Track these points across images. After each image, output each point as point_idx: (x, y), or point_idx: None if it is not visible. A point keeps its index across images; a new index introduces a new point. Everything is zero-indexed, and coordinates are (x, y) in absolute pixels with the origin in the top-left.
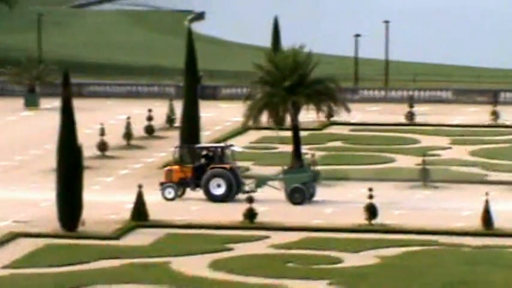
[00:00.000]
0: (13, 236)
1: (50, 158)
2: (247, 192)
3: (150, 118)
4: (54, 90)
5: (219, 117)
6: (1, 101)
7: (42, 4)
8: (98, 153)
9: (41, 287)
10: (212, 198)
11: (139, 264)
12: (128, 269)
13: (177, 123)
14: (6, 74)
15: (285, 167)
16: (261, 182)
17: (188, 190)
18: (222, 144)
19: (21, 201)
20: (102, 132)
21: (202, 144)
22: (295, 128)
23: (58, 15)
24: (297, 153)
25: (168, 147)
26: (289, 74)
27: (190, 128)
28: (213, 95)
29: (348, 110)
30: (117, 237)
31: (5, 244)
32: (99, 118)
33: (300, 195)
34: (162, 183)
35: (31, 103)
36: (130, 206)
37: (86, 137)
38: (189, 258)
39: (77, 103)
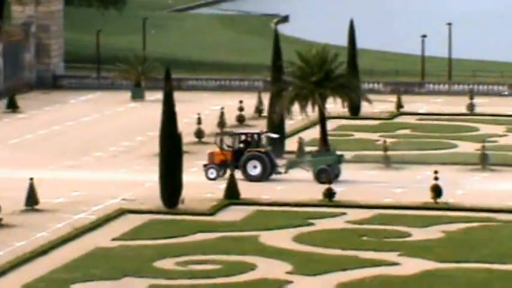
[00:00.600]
0: (122, 212)
1: (153, 144)
2: (280, 173)
3: (241, 109)
4: (157, 84)
5: None
6: (111, 94)
7: (147, 9)
8: (195, 139)
9: (146, 257)
10: (249, 178)
11: (231, 237)
12: (222, 241)
13: (265, 113)
14: (115, 70)
15: (313, 151)
16: (292, 164)
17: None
18: (257, 131)
19: (129, 181)
20: (199, 121)
21: (241, 131)
22: (322, 117)
23: (160, 19)
24: (323, 139)
25: None
26: (317, 69)
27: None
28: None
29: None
30: (212, 214)
31: (115, 219)
32: (196, 109)
33: (325, 175)
34: (205, 165)
35: (137, 96)
36: (224, 186)
37: (185, 126)
38: (275, 232)
39: (177, 96)
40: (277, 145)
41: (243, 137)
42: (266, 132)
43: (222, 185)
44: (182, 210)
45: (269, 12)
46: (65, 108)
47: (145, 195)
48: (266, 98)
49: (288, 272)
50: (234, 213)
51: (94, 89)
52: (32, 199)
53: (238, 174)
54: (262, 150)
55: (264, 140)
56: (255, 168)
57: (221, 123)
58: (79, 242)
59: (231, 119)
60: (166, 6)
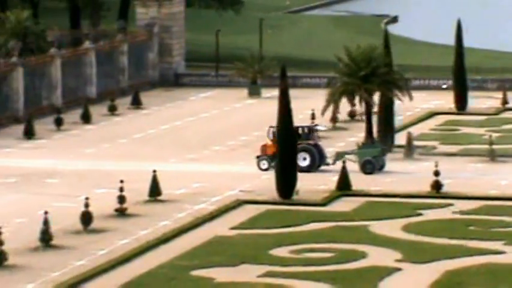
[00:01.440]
0: (239, 203)
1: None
2: (328, 164)
3: (353, 105)
4: (273, 81)
5: (410, 104)
6: (229, 91)
7: (263, 10)
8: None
9: (262, 245)
10: (299, 169)
11: (343, 227)
12: (334, 231)
13: (375, 109)
14: (233, 68)
15: (359, 143)
16: (339, 155)
17: None
18: (308, 124)
19: (246, 174)
20: (313, 117)
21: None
22: (368, 111)
23: (276, 19)
24: (369, 132)
25: None
26: (364, 66)
27: (386, 113)
28: (405, 86)
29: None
30: (324, 204)
31: (233, 209)
32: (310, 105)
33: (370, 166)
34: (258, 156)
35: (254, 93)
36: (336, 178)
37: (300, 121)
38: (384, 222)
39: (292, 92)
40: (388, 142)
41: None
42: (316, 125)
43: (334, 177)
44: (296, 201)
45: (379, 13)
46: (185, 105)
47: (261, 186)
48: (376, 95)
49: (397, 260)
50: (345, 204)
51: (213, 86)
52: (155, 190)
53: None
54: (312, 142)
55: (314, 133)
56: (304, 160)
57: (334, 118)
58: (199, 231)
59: (343, 114)
60: (282, 8)
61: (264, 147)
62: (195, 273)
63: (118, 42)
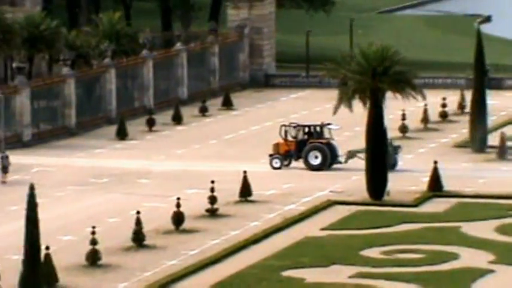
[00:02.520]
0: (330, 204)
1: (359, 139)
2: (341, 162)
3: (444, 105)
4: None
5: (503, 104)
6: (319, 92)
7: (353, 11)
8: (400, 134)
9: (353, 246)
10: (310, 167)
11: (434, 228)
12: (425, 232)
13: (467, 110)
14: (323, 69)
15: None
16: (351, 154)
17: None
18: (319, 123)
19: (336, 174)
20: (403, 117)
21: (304, 123)
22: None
23: (366, 20)
24: None
25: (459, 129)
26: (376, 65)
27: (479, 113)
28: (499, 86)
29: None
30: (416, 205)
31: (323, 210)
32: (401, 105)
33: None
34: (271, 155)
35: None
36: (427, 179)
37: (390, 121)
38: (477, 223)
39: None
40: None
41: (306, 129)
42: (328, 124)
43: (425, 178)
44: (387, 202)
45: (472, 13)
46: (276, 105)
47: (352, 187)
48: (468, 95)
49: (490, 262)
50: (437, 205)
51: (303, 87)
52: (245, 191)
53: (300, 163)
54: (324, 141)
55: (326, 132)
56: (316, 158)
57: (425, 119)
58: (289, 232)
59: (434, 115)
60: (373, 9)
61: (277, 146)
62: (286, 273)
63: (209, 44)
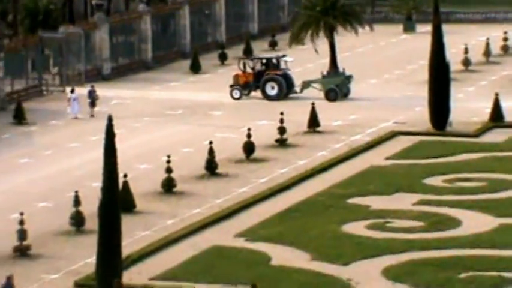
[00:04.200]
0: (393, 134)
1: (423, 72)
2: (296, 92)
3: (505, 39)
4: (427, 17)
5: None
6: (384, 27)
7: None
8: (462, 68)
9: (416, 174)
10: (267, 97)
11: (495, 157)
12: (486, 161)
13: None
14: (389, 5)
15: (323, 73)
16: (306, 84)
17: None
18: (275, 55)
19: (400, 106)
20: (466, 51)
21: (260, 55)
22: (331, 43)
23: None
24: (333, 61)
25: None
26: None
27: None
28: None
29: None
30: (477, 135)
31: (387, 141)
32: (463, 40)
33: (333, 94)
34: (231, 86)
35: (408, 28)
36: (488, 110)
37: (453, 55)
38: None
39: (445, 28)
40: None
41: (263, 61)
42: (283, 56)
43: (487, 109)
44: (449, 133)
45: None
46: (343, 40)
47: (415, 118)
48: None
49: None
50: (497, 135)
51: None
52: (313, 122)
53: (258, 94)
54: (279, 72)
55: (282, 64)
56: (272, 88)
57: (486, 52)
58: (355, 161)
59: (496, 48)
60: None
61: (236, 77)
62: (351, 201)
63: None
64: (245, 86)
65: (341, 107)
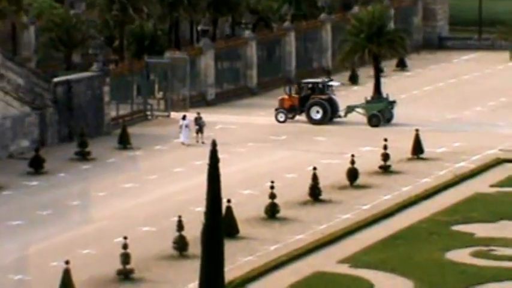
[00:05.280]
0: (499, 162)
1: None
2: (340, 116)
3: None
4: None
5: None
6: (491, 54)
7: None
8: None
9: None
10: (312, 121)
11: None
12: None
13: None
14: (496, 32)
15: (368, 98)
16: (350, 109)
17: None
18: (320, 80)
19: (506, 133)
20: None
21: (307, 80)
22: (376, 68)
23: None
24: (376, 87)
25: None
26: (366, 27)
27: None
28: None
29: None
30: None
31: (492, 168)
32: None
33: (376, 119)
34: (276, 109)
35: None
36: None
37: None
38: None
39: None
40: None
41: (309, 85)
42: (329, 80)
43: None
44: None
45: None
46: (448, 67)
47: None
48: None
49: None
50: None
51: (475, 49)
52: (417, 149)
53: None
54: (325, 97)
55: (327, 88)
56: (317, 113)
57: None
58: (459, 188)
59: None
60: None
61: (282, 101)
62: (455, 228)
63: (385, 7)
64: (290, 109)
65: (446, 133)
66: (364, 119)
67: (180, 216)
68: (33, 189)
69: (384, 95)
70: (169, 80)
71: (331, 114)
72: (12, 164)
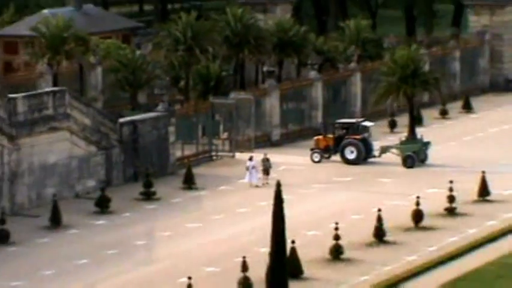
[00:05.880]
0: None
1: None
2: (375, 156)
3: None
4: None
5: None
6: None
7: None
8: None
9: None
10: (346, 161)
11: None
12: None
13: None
14: None
15: (401, 139)
16: (384, 149)
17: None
18: (354, 120)
19: None
20: None
21: (341, 120)
22: (411, 109)
23: None
24: (411, 128)
25: None
26: (400, 69)
27: None
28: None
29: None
30: None
31: None
32: None
33: (411, 160)
34: (311, 149)
35: None
36: None
37: None
38: None
39: None
40: None
41: (344, 126)
42: (364, 121)
43: None
44: None
45: None
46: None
47: None
48: None
49: None
50: None
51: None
52: (484, 190)
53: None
54: (359, 137)
55: (361, 128)
56: (351, 153)
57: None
58: None
59: None
60: None
61: (317, 141)
62: None
63: (450, 49)
64: (325, 149)
65: None
66: (399, 159)
67: (244, 257)
68: (99, 229)
69: (418, 136)
70: (234, 121)
71: (365, 154)
72: (79, 203)
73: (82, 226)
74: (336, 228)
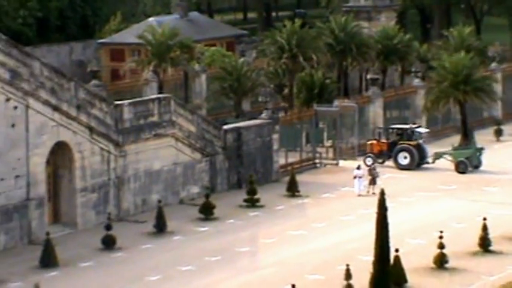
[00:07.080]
0: None
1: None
2: (428, 162)
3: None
4: None
5: None
6: None
7: None
8: None
9: None
10: (399, 167)
11: None
12: None
13: None
14: None
15: (454, 145)
16: (438, 155)
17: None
18: (408, 126)
19: None
20: None
21: (395, 125)
22: (463, 115)
23: None
24: (464, 134)
25: None
26: (453, 75)
27: None
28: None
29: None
30: None
31: None
32: None
33: (463, 166)
34: (365, 153)
35: None
36: None
37: None
38: None
39: None
40: None
41: (398, 131)
42: (418, 127)
43: None
44: None
45: None
46: None
47: None
48: None
49: None
50: None
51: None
52: None
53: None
54: (413, 143)
55: (415, 134)
56: (405, 158)
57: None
58: None
59: None
60: None
61: (371, 146)
62: None
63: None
64: (379, 154)
65: None
66: (452, 166)
67: (348, 265)
68: (203, 235)
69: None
70: (338, 128)
71: (418, 160)
72: (183, 209)
73: (186, 232)
74: (441, 237)
